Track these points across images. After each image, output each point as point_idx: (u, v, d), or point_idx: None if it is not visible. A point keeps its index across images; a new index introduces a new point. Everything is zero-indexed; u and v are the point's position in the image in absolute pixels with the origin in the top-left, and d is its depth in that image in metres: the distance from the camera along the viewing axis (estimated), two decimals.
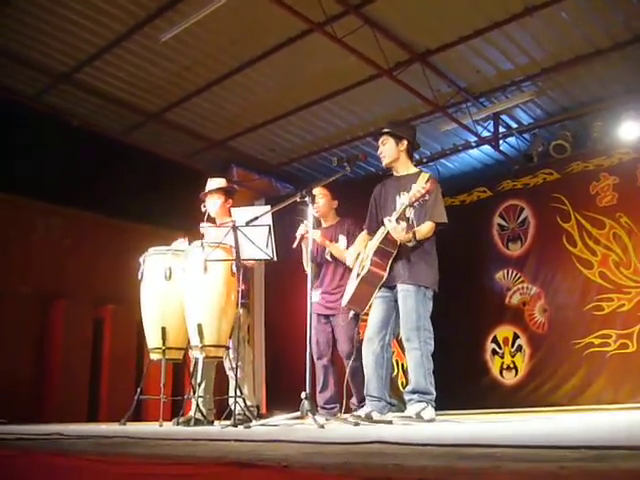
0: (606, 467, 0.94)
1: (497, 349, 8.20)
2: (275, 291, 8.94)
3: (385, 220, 3.90)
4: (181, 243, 4.93)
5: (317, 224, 5.34)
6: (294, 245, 5.03)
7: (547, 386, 7.62)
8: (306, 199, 3.79)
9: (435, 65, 7.01)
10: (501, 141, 8.22)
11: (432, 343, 3.93)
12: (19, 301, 6.86)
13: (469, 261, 8.37)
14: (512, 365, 8.05)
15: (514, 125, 8.21)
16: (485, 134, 8.09)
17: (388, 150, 4.25)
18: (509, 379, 8.04)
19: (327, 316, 5.19)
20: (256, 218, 3.82)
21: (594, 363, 7.31)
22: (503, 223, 8.47)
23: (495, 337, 8.23)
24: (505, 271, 8.30)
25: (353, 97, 7.57)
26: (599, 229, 7.63)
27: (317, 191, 5.28)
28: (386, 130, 4.27)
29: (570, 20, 6.27)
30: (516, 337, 8.07)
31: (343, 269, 5.14)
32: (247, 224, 3.88)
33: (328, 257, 5.21)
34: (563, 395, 7.41)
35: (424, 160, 8.81)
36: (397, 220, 3.83)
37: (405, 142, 4.28)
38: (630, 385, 7.03)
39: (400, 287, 3.96)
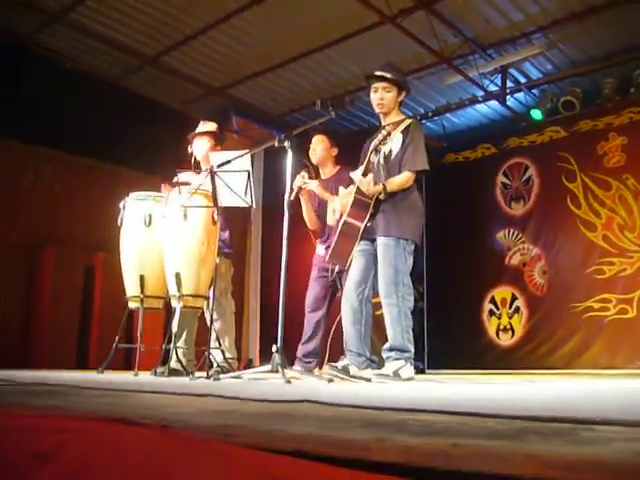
0: (505, 449, 0.78)
1: (494, 310, 8.08)
2: (273, 242, 8.78)
3: (351, 174, 3.71)
4: (166, 189, 4.77)
5: (315, 174, 5.11)
6: (291, 197, 4.81)
7: (544, 348, 7.52)
8: (285, 144, 3.59)
9: (441, 13, 6.70)
10: (508, 96, 7.93)
11: (411, 300, 3.77)
12: (8, 248, 6.75)
13: (470, 219, 8.20)
14: (509, 326, 7.93)
15: (522, 80, 7.91)
16: (492, 88, 7.80)
17: (390, 100, 3.99)
18: (505, 340, 7.93)
19: (329, 270, 4.96)
20: (228, 161, 3.62)
21: (592, 327, 7.18)
22: (507, 181, 8.26)
23: (493, 297, 8.10)
24: (506, 230, 8.13)
25: (355, 45, 7.28)
26: (605, 191, 7.42)
27: (315, 137, 5.06)
28: (393, 78, 4.00)
29: None
30: (514, 298, 7.93)
31: None
32: (218, 167, 3.70)
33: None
34: (559, 358, 7.31)
35: (429, 114, 8.53)
36: (364, 173, 3.62)
37: (404, 93, 4.07)
38: (627, 350, 6.92)
39: (379, 240, 3.78)
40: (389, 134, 3.55)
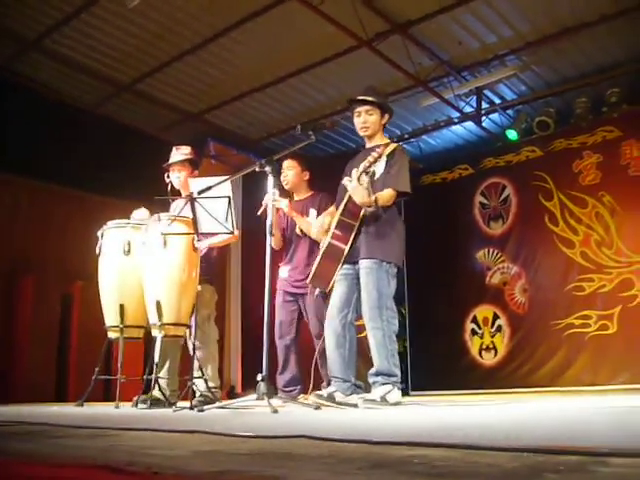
0: None
1: (477, 329, 8.09)
2: (252, 268, 8.74)
3: (344, 181, 3.67)
4: (141, 212, 4.71)
5: (289, 197, 5.08)
6: (258, 212, 4.78)
7: (527, 367, 7.53)
8: (266, 169, 3.56)
9: (416, 36, 6.77)
10: (484, 117, 8.01)
11: (396, 322, 3.73)
12: None
13: (450, 240, 8.24)
14: (491, 345, 7.94)
15: (497, 101, 7.99)
16: (467, 109, 7.88)
17: (373, 122, 3.99)
18: (488, 359, 7.94)
19: (294, 294, 4.93)
20: (209, 188, 3.59)
21: (574, 344, 7.22)
22: (485, 201, 8.32)
23: (475, 317, 8.11)
24: (486, 250, 8.17)
25: (332, 69, 7.33)
26: (581, 208, 7.50)
27: (286, 163, 5.04)
28: (376, 101, 4.00)
29: None
30: (496, 317, 7.96)
31: (311, 244, 4.90)
32: (199, 194, 3.66)
33: (298, 232, 4.96)
34: (543, 376, 7.33)
35: (405, 136, 8.59)
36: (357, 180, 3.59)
37: (387, 116, 4.07)
38: (609, 367, 6.95)
39: (362, 263, 3.75)
40: (380, 156, 3.53)
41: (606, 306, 7.08)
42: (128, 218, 4.73)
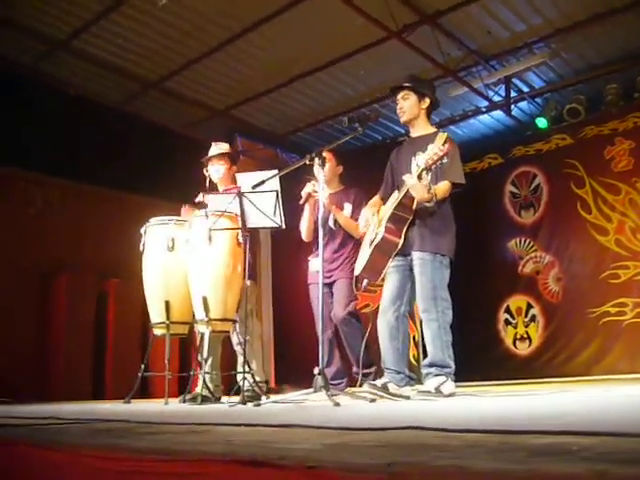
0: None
1: (510, 319, 8.05)
2: (282, 261, 8.75)
3: (405, 177, 3.63)
4: (187, 211, 4.73)
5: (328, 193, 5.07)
6: (300, 202, 4.79)
7: (562, 356, 7.49)
8: (316, 161, 3.56)
9: (445, 27, 6.73)
10: (513, 106, 7.95)
11: (450, 314, 3.73)
12: (19, 276, 6.67)
13: (481, 230, 8.18)
14: (526, 335, 7.90)
15: (526, 89, 7.93)
16: (496, 99, 7.83)
17: (409, 106, 3.99)
18: (523, 349, 7.90)
19: (326, 285, 4.92)
20: (263, 182, 3.59)
21: (610, 332, 7.17)
22: (515, 190, 8.26)
23: (508, 307, 8.07)
24: (518, 239, 8.12)
25: (360, 62, 7.30)
26: (614, 195, 7.43)
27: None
28: (408, 85, 4.00)
29: None
30: (529, 307, 7.91)
31: (342, 237, 4.93)
32: (253, 189, 3.66)
33: (331, 224, 4.96)
34: (578, 365, 7.28)
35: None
36: (417, 178, 3.57)
37: (427, 100, 4.05)
38: None
39: (415, 255, 3.75)
40: (445, 155, 3.46)
41: None
42: (159, 215, 4.72)
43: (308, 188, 4.75)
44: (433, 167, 3.51)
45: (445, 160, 3.48)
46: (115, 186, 7.49)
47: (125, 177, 7.37)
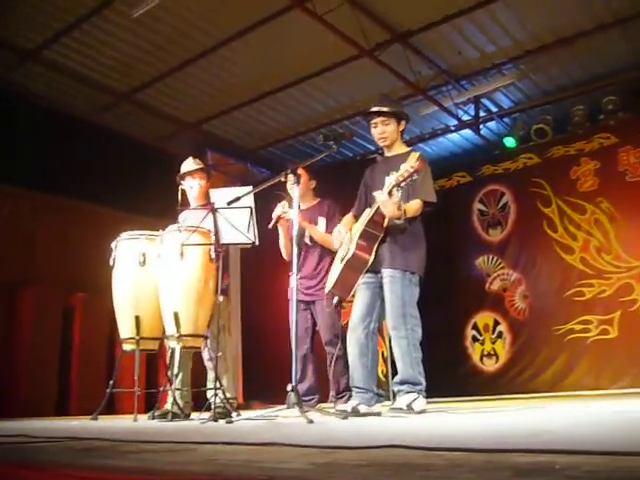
0: None
1: (477, 336, 8.13)
2: (251, 277, 8.74)
3: (375, 194, 3.65)
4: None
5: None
6: (269, 225, 4.76)
7: (528, 373, 7.57)
8: (290, 178, 3.56)
9: (416, 46, 6.83)
10: (481, 125, 8.08)
11: (419, 331, 3.75)
12: None
13: (449, 247, 8.25)
14: (493, 352, 7.98)
15: (495, 109, 8.07)
16: (465, 118, 7.95)
17: (390, 132, 4.01)
18: (490, 366, 7.97)
19: (306, 302, 4.92)
20: (238, 198, 3.58)
21: (575, 349, 7.27)
22: (483, 208, 8.37)
23: (475, 324, 8.16)
24: (485, 257, 8.22)
25: (332, 79, 7.37)
26: (580, 214, 7.57)
27: None
28: (389, 110, 4.02)
29: (554, 1, 6.13)
30: (497, 324, 8.00)
31: (321, 253, 4.91)
32: (228, 205, 3.65)
33: (307, 241, 4.95)
34: (544, 382, 7.37)
35: None
36: (388, 194, 3.59)
37: (404, 123, 4.09)
38: (611, 371, 7.00)
39: (385, 272, 3.76)
40: (416, 172, 3.49)
41: (606, 311, 7.15)
42: (128, 229, 4.66)
43: (278, 210, 4.72)
44: (404, 184, 3.53)
45: (416, 177, 3.51)
46: (85, 199, 7.41)
47: (95, 190, 7.30)
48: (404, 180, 3.52)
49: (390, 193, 3.55)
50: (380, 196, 3.59)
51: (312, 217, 4.96)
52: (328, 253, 4.91)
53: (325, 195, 5.27)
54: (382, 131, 4.00)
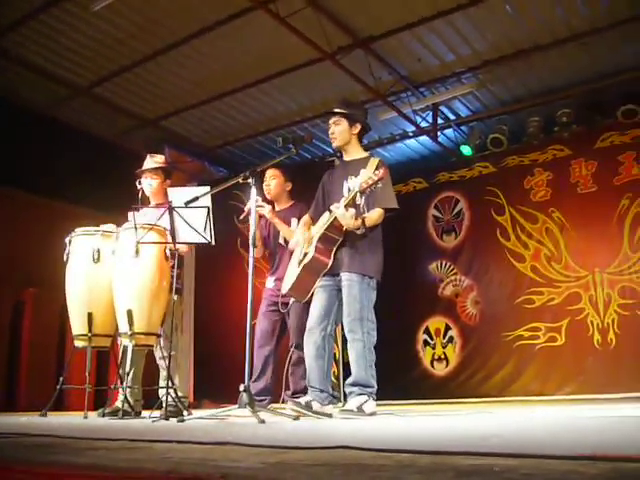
0: None
1: (429, 340, 8.24)
2: (206, 277, 8.70)
3: (332, 207, 3.70)
4: (110, 227, 4.62)
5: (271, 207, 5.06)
6: (241, 217, 4.72)
7: (477, 377, 7.71)
8: (249, 180, 3.57)
9: (378, 52, 6.90)
10: (439, 132, 8.20)
11: (375, 335, 3.80)
12: None
13: (403, 251, 8.36)
14: (443, 356, 8.10)
15: (452, 117, 8.20)
16: (423, 124, 8.05)
17: (340, 132, 4.05)
18: (440, 370, 8.09)
19: (278, 304, 4.90)
20: (196, 198, 3.58)
21: (523, 355, 7.44)
22: (438, 215, 8.50)
23: (427, 328, 8.27)
24: (439, 262, 8.34)
25: (292, 80, 7.39)
26: (532, 223, 7.75)
27: (269, 172, 5.05)
28: (340, 111, 4.07)
29: (513, 13, 6.27)
30: (448, 328, 8.13)
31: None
32: (186, 205, 3.64)
33: (282, 242, 4.96)
34: (493, 386, 7.51)
35: None
36: (345, 207, 3.64)
37: (359, 125, 4.12)
38: (557, 377, 7.18)
39: (344, 276, 3.80)
40: (380, 180, 3.52)
41: (555, 319, 7.34)
42: (83, 225, 4.60)
43: (250, 204, 4.70)
44: (368, 191, 3.58)
45: (380, 185, 3.56)
46: (39, 193, 7.27)
47: (50, 184, 7.17)
48: (368, 187, 3.57)
49: (347, 206, 3.60)
50: (337, 210, 3.64)
51: (286, 218, 4.96)
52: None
53: (302, 195, 5.24)
54: (332, 131, 4.07)
